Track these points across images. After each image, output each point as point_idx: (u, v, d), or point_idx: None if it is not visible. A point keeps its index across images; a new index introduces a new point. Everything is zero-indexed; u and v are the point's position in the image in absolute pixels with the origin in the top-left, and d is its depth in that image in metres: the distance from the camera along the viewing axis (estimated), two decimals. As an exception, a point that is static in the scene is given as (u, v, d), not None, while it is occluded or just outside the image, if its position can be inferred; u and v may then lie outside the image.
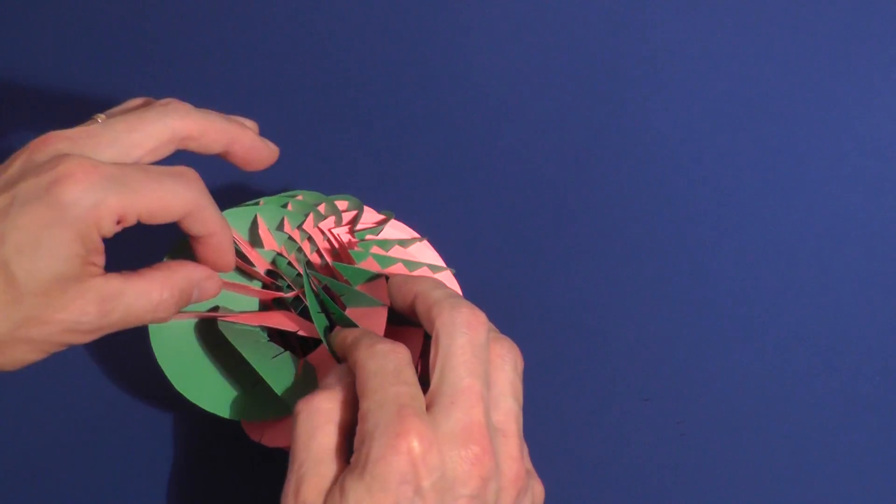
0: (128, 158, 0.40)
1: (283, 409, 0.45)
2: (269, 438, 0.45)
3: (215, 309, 0.46)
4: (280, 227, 0.47)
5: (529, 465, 0.41)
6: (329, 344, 0.44)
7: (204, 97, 0.61)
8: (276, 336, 0.48)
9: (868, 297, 0.53)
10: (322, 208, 0.47)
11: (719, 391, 0.51)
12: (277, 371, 0.44)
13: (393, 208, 0.50)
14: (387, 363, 0.39)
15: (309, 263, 0.48)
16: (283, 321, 0.46)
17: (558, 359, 0.52)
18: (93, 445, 0.51)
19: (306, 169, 0.57)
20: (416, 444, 0.36)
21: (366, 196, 0.50)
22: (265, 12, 0.63)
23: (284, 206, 0.47)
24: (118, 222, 0.38)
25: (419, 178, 0.58)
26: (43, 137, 0.39)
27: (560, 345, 0.53)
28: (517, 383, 0.41)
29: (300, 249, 0.47)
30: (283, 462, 0.40)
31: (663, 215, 0.56)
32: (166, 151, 0.42)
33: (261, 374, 0.43)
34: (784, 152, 0.58)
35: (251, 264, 0.47)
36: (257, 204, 0.47)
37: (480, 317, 0.40)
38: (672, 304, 0.54)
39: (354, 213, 0.48)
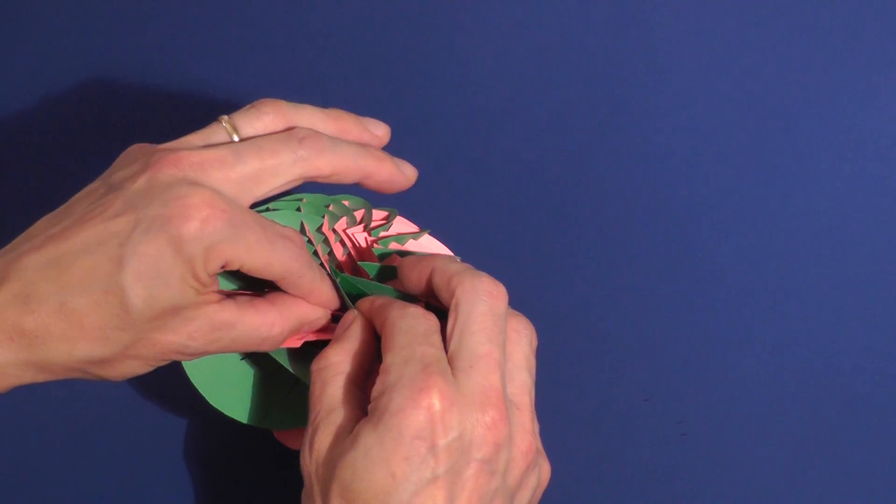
0: (250, 196, 0.40)
1: None
2: None
3: None
4: (300, 230, 0.47)
5: (539, 443, 0.41)
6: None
7: (204, 97, 0.61)
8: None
9: (868, 297, 0.53)
10: (332, 208, 0.47)
11: (719, 391, 0.51)
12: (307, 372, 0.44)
13: (391, 207, 0.50)
14: (417, 325, 0.39)
15: (335, 266, 0.48)
16: (317, 336, 0.45)
17: (559, 359, 0.52)
18: (103, 446, 0.51)
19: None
20: (437, 402, 0.36)
21: (366, 196, 0.50)
22: (265, 11, 0.63)
23: (297, 209, 0.47)
24: (223, 266, 0.39)
25: (418, 178, 0.57)
26: (170, 157, 0.39)
27: (560, 345, 0.52)
28: (531, 359, 0.41)
29: (330, 252, 0.47)
30: (296, 464, 0.40)
31: (664, 215, 0.56)
32: (293, 186, 0.42)
33: (302, 378, 0.43)
34: (784, 152, 0.58)
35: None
36: (266, 209, 0.47)
37: (501, 288, 0.40)
38: (672, 304, 0.54)
39: (363, 211, 0.48)
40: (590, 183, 0.57)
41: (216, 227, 0.38)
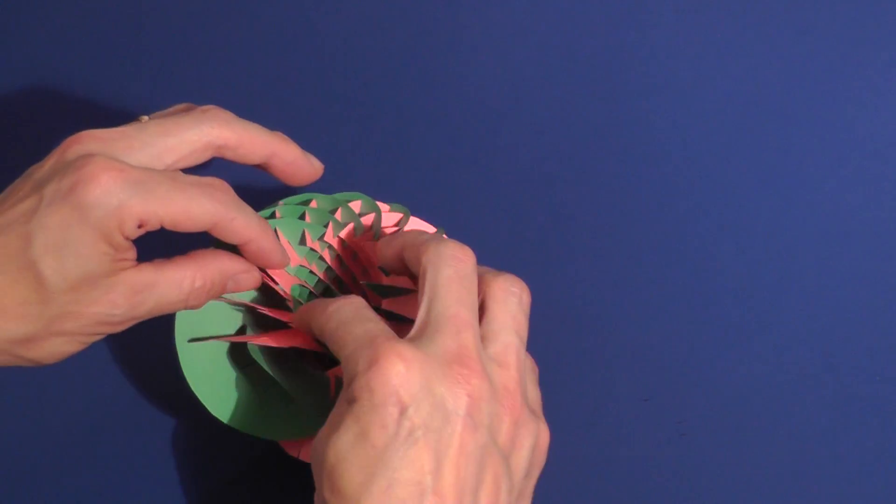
0: (159, 163, 0.40)
1: (319, 425, 0.45)
2: (307, 454, 0.45)
3: (242, 330, 0.46)
4: (301, 240, 0.46)
5: (538, 408, 0.41)
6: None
7: (204, 96, 0.61)
8: (298, 352, 0.48)
9: (868, 298, 0.53)
10: (339, 215, 0.47)
11: (719, 391, 0.51)
12: (310, 391, 0.44)
13: (405, 208, 0.50)
14: (345, 314, 0.39)
15: (338, 277, 0.47)
16: (307, 342, 0.45)
17: (558, 359, 0.52)
18: (98, 447, 0.51)
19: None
20: (397, 365, 0.36)
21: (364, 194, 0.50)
22: (265, 10, 0.63)
23: (301, 215, 0.47)
24: (140, 226, 0.38)
25: (418, 178, 0.58)
26: (75, 136, 0.40)
27: (560, 344, 0.52)
28: (520, 318, 0.40)
29: (321, 258, 0.47)
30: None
31: (663, 215, 0.56)
32: (201, 158, 0.42)
33: (293, 395, 0.43)
34: (784, 152, 0.58)
35: (275, 282, 0.46)
36: (274, 214, 0.46)
37: (466, 250, 0.40)
38: (672, 304, 0.54)
39: (372, 216, 0.47)
40: (589, 183, 0.57)
41: (118, 187, 0.38)
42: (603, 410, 0.51)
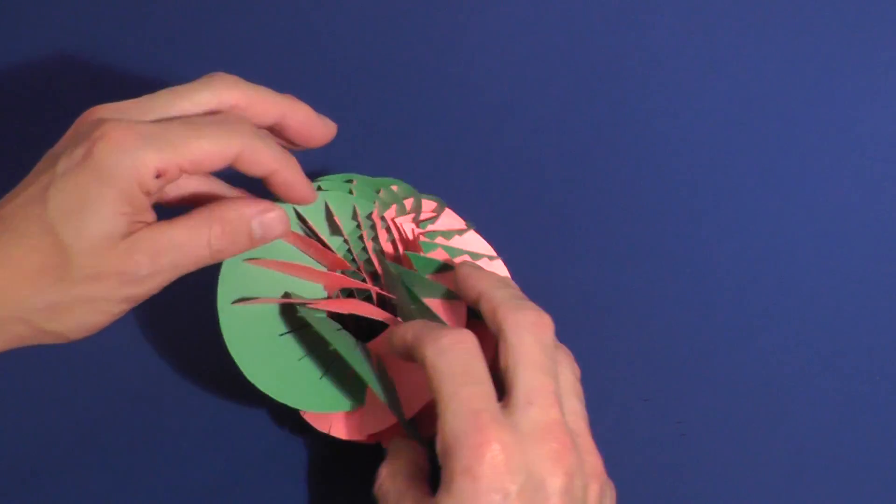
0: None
1: (354, 400, 0.45)
2: (338, 429, 0.45)
3: (287, 295, 0.46)
4: (352, 214, 0.47)
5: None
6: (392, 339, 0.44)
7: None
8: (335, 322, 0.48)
9: (868, 298, 0.53)
10: (382, 194, 0.47)
11: (719, 391, 0.51)
12: (362, 362, 0.44)
13: (440, 199, 0.50)
14: (457, 360, 0.39)
15: (381, 252, 0.48)
16: (361, 307, 0.45)
17: (558, 359, 0.52)
18: (104, 440, 0.51)
19: (309, 168, 0.57)
20: (498, 451, 0.36)
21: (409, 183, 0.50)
22: (265, 9, 0.63)
23: (349, 192, 0.47)
24: (158, 177, 0.38)
25: (418, 178, 0.57)
26: (88, 111, 0.40)
27: (563, 342, 0.52)
28: (578, 386, 0.42)
29: (375, 238, 0.47)
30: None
31: (663, 215, 0.56)
32: (216, 108, 0.41)
33: (354, 366, 0.43)
34: (784, 152, 0.58)
35: (327, 247, 0.46)
36: (319, 188, 0.47)
37: (546, 318, 0.41)
38: (672, 304, 0.54)
39: (412, 200, 0.48)
40: (589, 183, 0.57)
41: (130, 141, 0.37)
42: (603, 410, 0.51)
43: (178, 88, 0.41)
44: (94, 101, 0.41)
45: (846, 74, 0.59)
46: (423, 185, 0.57)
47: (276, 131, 0.43)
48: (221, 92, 0.41)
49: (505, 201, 0.57)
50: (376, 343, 0.46)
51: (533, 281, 0.54)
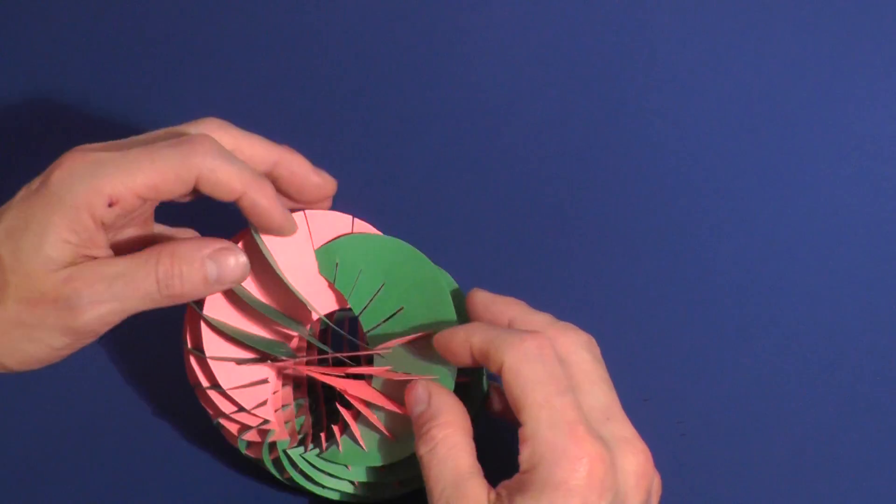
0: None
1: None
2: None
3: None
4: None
5: None
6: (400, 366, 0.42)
7: (202, 96, 0.61)
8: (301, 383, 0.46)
9: (868, 297, 0.53)
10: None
11: (719, 391, 0.51)
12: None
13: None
14: (542, 367, 0.38)
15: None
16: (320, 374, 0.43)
17: (558, 359, 0.52)
18: (96, 449, 0.51)
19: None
20: (595, 467, 0.36)
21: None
22: (265, 9, 0.63)
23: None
24: (111, 205, 0.36)
25: (417, 178, 0.58)
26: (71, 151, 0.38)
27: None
28: (600, 369, 0.41)
29: None
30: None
31: (663, 215, 0.56)
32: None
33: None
34: (784, 152, 0.58)
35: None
36: None
37: (591, 338, 0.41)
38: (672, 304, 0.54)
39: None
40: (589, 182, 0.57)
41: (82, 167, 0.36)
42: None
43: (167, 130, 0.40)
44: (78, 142, 0.39)
45: (846, 74, 0.59)
46: (422, 185, 0.57)
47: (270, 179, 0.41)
48: (211, 133, 0.39)
49: (505, 201, 0.57)
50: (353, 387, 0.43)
51: (533, 281, 0.54)
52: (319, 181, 0.42)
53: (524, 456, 0.37)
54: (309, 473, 0.44)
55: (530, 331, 0.39)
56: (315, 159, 0.58)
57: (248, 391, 0.43)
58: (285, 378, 0.45)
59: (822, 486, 0.49)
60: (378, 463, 0.43)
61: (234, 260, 0.39)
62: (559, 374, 0.38)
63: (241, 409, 0.42)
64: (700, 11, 0.62)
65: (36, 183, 0.37)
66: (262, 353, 0.43)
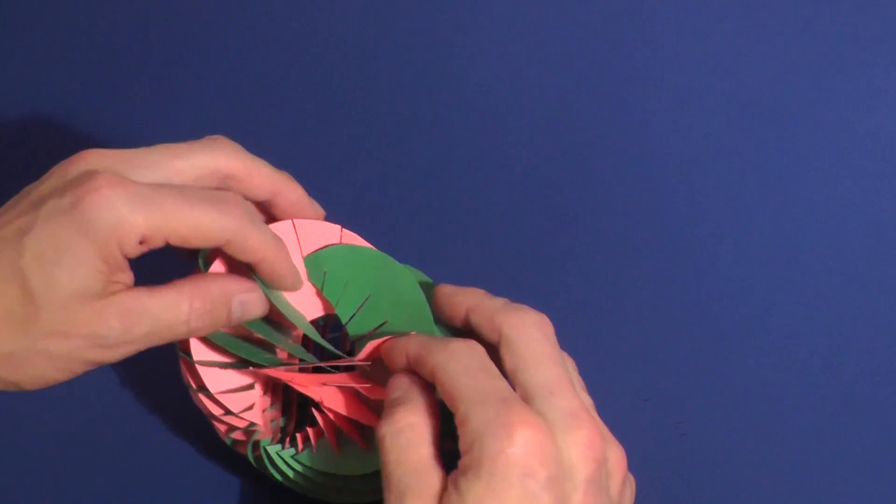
0: (167, 180, 0.39)
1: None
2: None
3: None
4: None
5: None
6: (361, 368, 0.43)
7: (200, 96, 0.61)
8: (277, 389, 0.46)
9: (868, 297, 0.53)
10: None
11: (719, 391, 0.51)
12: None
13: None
14: (472, 360, 0.38)
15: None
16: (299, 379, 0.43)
17: (558, 359, 0.52)
18: (93, 449, 0.51)
19: (305, 168, 0.57)
20: (530, 434, 0.35)
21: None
22: (265, 8, 0.63)
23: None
24: (141, 242, 0.37)
25: (417, 177, 0.58)
26: (78, 154, 0.38)
27: (560, 345, 0.52)
28: (582, 382, 0.41)
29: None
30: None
31: (662, 215, 0.56)
32: (207, 185, 0.40)
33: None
34: (784, 152, 0.58)
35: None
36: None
37: (545, 317, 0.40)
38: (672, 304, 0.54)
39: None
40: (589, 182, 0.57)
41: (121, 200, 0.36)
42: (603, 410, 0.51)
43: (177, 147, 0.40)
44: (79, 148, 0.38)
45: (846, 74, 0.59)
46: (422, 185, 0.57)
47: (262, 206, 0.42)
48: (220, 158, 0.40)
49: (504, 201, 0.57)
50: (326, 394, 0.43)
51: (533, 281, 0.54)
52: (313, 213, 0.44)
53: (462, 442, 0.36)
54: (284, 471, 0.44)
55: (462, 339, 0.39)
56: (316, 159, 0.59)
57: (235, 395, 0.43)
58: (270, 379, 0.45)
59: (822, 486, 0.49)
60: (352, 472, 0.43)
61: (259, 299, 0.41)
62: (490, 365, 0.38)
63: (228, 412, 0.43)
64: (700, 11, 0.62)
65: (65, 203, 0.36)
66: (245, 360, 0.43)
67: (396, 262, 0.44)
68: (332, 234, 0.44)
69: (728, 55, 0.60)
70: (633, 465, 0.50)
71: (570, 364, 0.41)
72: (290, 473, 0.44)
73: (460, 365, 0.37)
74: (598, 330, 0.53)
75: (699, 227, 0.56)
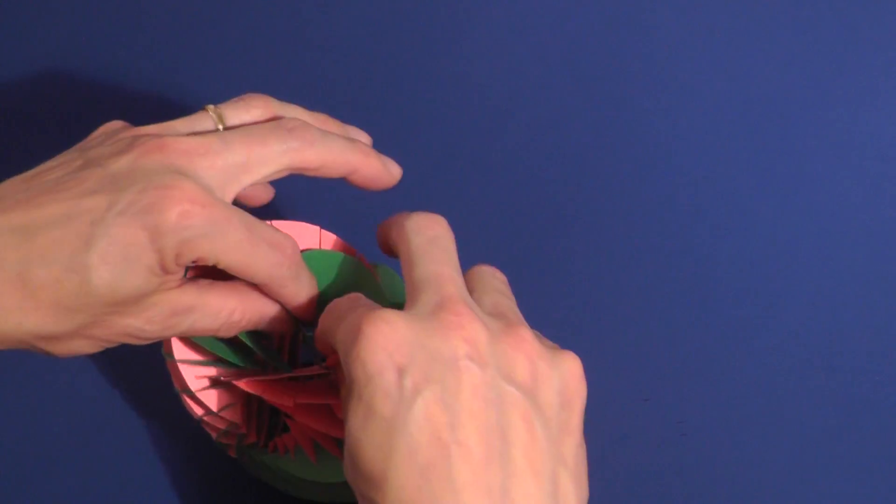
0: (237, 184, 0.39)
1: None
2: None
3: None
4: None
5: (547, 341, 0.39)
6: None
7: (198, 97, 0.61)
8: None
9: (868, 297, 0.53)
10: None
11: (719, 391, 0.51)
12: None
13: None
14: (339, 305, 0.38)
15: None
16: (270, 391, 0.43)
17: (558, 359, 0.52)
18: (89, 447, 0.51)
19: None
20: (381, 327, 0.34)
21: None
22: (265, 8, 0.63)
23: None
24: (195, 261, 0.37)
25: (417, 178, 0.58)
26: (157, 142, 0.37)
27: (560, 345, 0.52)
28: (504, 289, 0.39)
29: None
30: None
31: (663, 215, 0.56)
32: (278, 177, 0.41)
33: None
34: (784, 152, 0.58)
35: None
36: None
37: (435, 216, 0.39)
38: (672, 304, 0.54)
39: None
40: (589, 183, 0.57)
41: (195, 222, 0.36)
42: (603, 410, 0.51)
43: (252, 138, 0.39)
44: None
45: (846, 74, 0.60)
46: (421, 185, 0.57)
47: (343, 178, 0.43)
48: (296, 156, 0.40)
49: (504, 202, 0.57)
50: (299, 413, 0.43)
51: (533, 282, 0.54)
52: (388, 178, 0.43)
53: (408, 286, 0.37)
54: (267, 475, 0.45)
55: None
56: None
57: (214, 392, 0.43)
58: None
59: (822, 486, 0.49)
60: (329, 480, 0.44)
61: (282, 325, 0.42)
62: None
63: (209, 411, 0.43)
64: (700, 11, 0.62)
65: (142, 203, 0.36)
66: (224, 361, 0.43)
67: (364, 266, 0.45)
68: (311, 235, 0.45)
69: (728, 55, 0.60)
70: (634, 465, 0.50)
71: (486, 272, 0.40)
72: (273, 478, 0.45)
73: (334, 317, 0.38)
74: (598, 330, 0.53)
75: (699, 228, 0.56)
